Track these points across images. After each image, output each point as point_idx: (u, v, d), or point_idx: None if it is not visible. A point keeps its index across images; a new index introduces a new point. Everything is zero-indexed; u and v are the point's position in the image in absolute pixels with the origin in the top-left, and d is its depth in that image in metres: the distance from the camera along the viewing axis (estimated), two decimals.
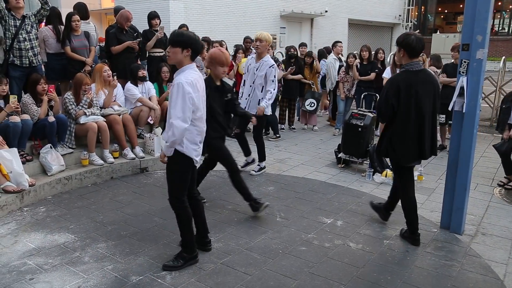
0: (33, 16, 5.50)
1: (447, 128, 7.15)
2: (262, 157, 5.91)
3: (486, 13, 3.68)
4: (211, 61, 4.16)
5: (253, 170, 5.85)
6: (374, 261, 3.63)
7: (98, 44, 7.71)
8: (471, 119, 3.89)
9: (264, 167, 5.95)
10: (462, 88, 3.88)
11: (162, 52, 7.07)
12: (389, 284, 3.29)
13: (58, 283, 3.22)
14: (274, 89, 5.59)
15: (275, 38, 17.06)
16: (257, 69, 5.58)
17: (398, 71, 6.85)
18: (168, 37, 6.95)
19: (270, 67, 5.52)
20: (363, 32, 23.03)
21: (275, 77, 5.56)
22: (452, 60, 6.99)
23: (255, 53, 5.69)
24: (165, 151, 3.30)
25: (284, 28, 18.37)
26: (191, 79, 3.17)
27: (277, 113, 8.38)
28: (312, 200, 4.95)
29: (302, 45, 9.21)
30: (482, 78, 3.88)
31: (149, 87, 6.44)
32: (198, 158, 3.44)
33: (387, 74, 7.15)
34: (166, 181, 3.46)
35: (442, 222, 4.27)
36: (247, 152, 5.94)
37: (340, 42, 9.36)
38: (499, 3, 25.31)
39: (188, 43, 3.19)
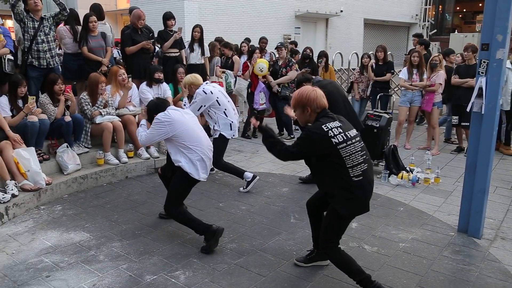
0: (51, 18, 5.57)
1: (462, 130, 7.01)
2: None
3: (507, 12, 3.60)
4: None
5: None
6: (389, 264, 3.58)
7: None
8: (490, 120, 3.81)
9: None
10: (480, 88, 3.81)
11: (178, 52, 7.10)
12: None
13: (73, 281, 3.25)
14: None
15: (289, 39, 17.03)
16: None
17: (415, 72, 6.88)
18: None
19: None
20: (379, 32, 22.83)
21: (194, 98, 4.96)
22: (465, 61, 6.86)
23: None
24: None
25: (299, 28, 18.31)
26: None
27: None
28: None
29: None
30: (503, 79, 3.80)
31: (165, 89, 6.44)
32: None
33: (403, 75, 7.04)
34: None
35: (459, 225, 4.19)
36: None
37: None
38: None
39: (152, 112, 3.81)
